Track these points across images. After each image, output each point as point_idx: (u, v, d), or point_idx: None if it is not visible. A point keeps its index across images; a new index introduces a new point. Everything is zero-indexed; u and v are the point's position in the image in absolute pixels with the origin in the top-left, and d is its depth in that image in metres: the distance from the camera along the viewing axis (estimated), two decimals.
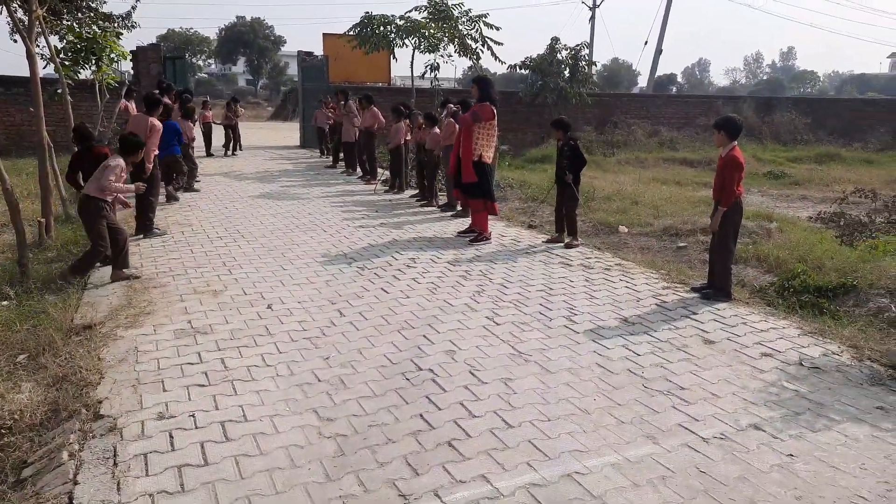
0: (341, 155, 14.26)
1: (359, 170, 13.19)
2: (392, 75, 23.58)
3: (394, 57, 15.35)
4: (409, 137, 11.41)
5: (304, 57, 19.60)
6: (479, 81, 7.55)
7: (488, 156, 7.44)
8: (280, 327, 4.77)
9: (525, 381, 3.94)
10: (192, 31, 59.67)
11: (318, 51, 20.87)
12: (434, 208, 9.79)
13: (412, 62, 15.44)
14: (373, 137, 12.68)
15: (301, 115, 20.05)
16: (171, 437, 3.24)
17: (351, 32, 14.76)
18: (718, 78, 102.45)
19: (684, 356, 4.35)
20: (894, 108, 25.78)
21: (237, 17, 62.84)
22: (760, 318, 5.11)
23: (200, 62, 61.31)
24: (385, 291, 5.66)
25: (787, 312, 5.31)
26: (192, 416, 3.45)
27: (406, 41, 14.36)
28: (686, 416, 3.56)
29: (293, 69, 55.31)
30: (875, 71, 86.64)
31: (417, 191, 10.93)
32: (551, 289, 5.80)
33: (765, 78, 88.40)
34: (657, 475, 3.01)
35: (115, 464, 3.00)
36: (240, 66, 68.51)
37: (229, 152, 16.47)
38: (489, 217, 7.76)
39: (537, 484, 2.92)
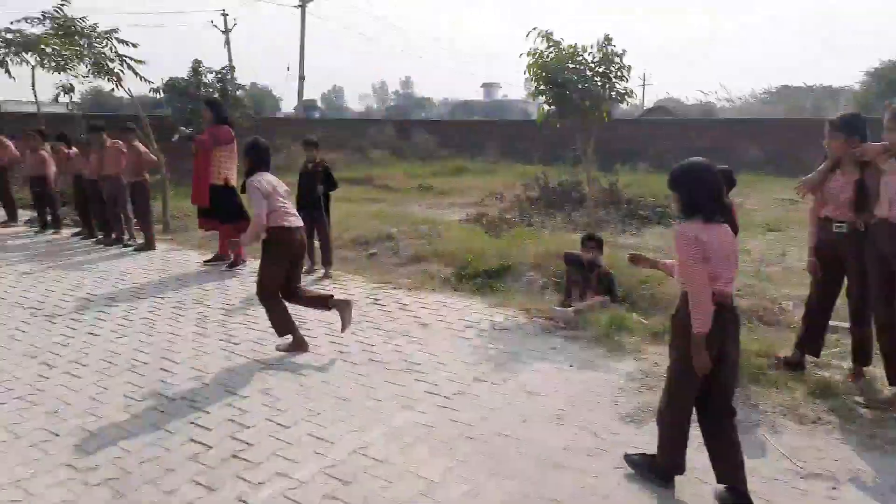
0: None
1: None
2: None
3: (9, 75, 13.17)
4: (55, 168, 10.14)
5: None
6: (212, 104, 7.41)
7: (233, 178, 7.31)
8: None
9: (284, 387, 4.17)
10: None
11: None
12: (116, 243, 8.91)
13: (33, 83, 13.63)
14: (4, 171, 10.84)
15: None
16: None
17: None
18: (354, 103, 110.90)
19: (410, 339, 5.09)
20: (495, 128, 31.86)
21: None
22: (455, 300, 6.19)
23: None
24: (94, 335, 5.16)
25: (471, 293, 6.51)
26: None
27: (24, 57, 12.52)
28: (428, 384, 4.26)
29: None
30: (475, 98, 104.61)
31: (80, 228, 9.76)
32: None
33: (393, 104, 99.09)
34: (422, 432, 3.62)
35: None
36: None
37: None
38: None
39: (331, 465, 3.26)
